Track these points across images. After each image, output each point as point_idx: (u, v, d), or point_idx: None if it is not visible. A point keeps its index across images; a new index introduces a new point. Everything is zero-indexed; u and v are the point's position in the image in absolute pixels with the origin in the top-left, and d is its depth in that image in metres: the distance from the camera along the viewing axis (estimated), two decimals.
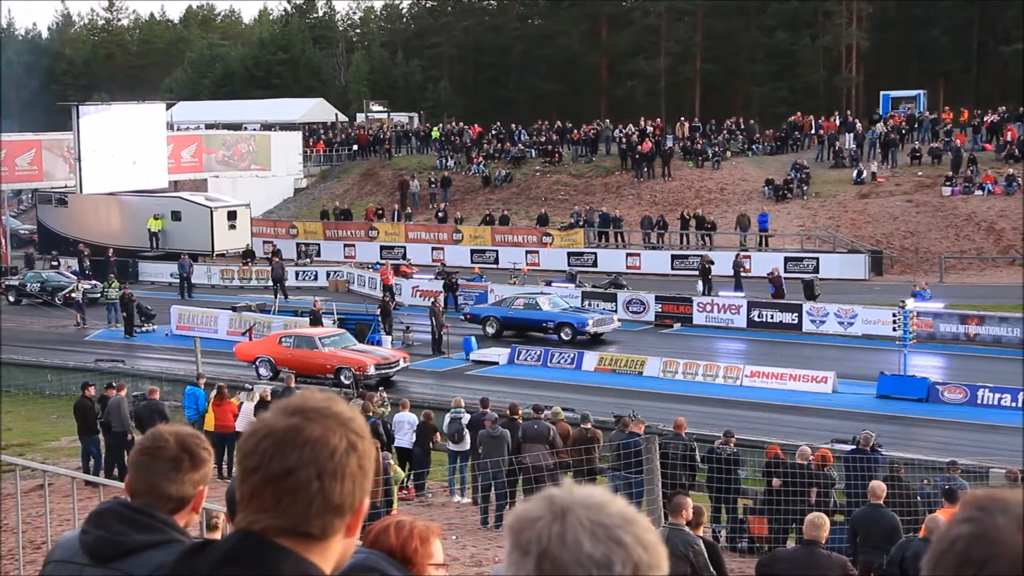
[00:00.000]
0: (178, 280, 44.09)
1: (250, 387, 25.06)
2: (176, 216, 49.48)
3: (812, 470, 15.76)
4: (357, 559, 2.95)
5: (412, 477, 19.50)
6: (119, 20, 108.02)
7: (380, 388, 25.60)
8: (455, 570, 12.99)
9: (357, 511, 1.92)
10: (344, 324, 32.96)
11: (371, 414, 19.59)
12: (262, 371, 28.94)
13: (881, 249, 45.53)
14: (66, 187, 51.80)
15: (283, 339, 29.95)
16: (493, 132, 61.49)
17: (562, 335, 33.16)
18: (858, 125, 54.00)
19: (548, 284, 39.49)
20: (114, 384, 21.82)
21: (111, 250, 47.47)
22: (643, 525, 1.60)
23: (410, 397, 24.11)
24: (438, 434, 19.93)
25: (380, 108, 73.79)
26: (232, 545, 1.88)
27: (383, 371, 28.62)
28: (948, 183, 47.51)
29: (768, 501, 15.67)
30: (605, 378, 28.80)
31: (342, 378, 27.82)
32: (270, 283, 42.63)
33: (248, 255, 48.36)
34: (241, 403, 21.58)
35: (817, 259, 43.65)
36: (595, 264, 46.82)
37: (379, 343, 31.63)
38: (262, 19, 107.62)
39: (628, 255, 47.23)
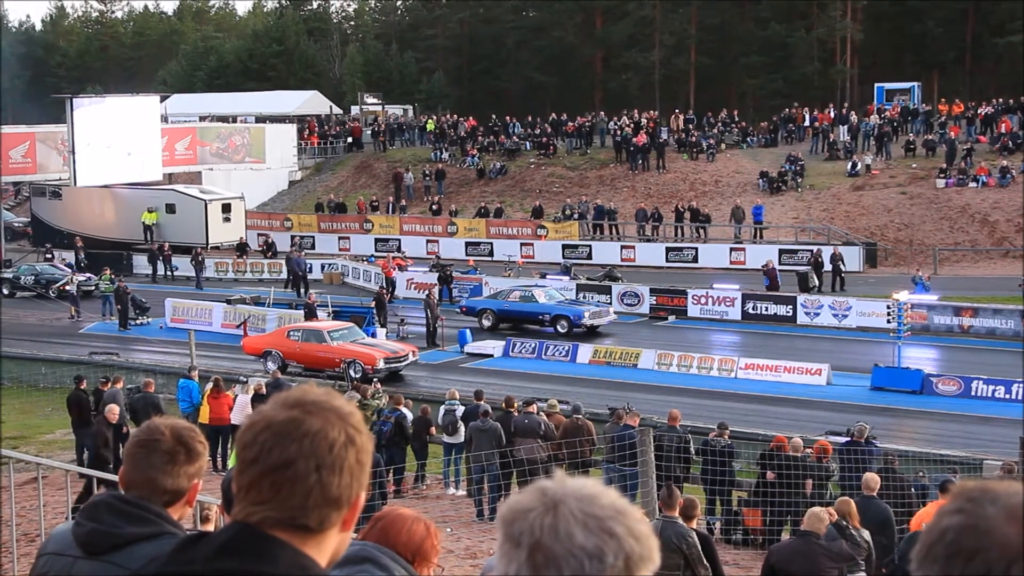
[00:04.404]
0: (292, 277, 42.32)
1: (245, 380, 25.02)
2: (170, 209, 49.29)
3: (809, 462, 15.78)
4: (351, 550, 2.95)
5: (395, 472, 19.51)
6: (113, 12, 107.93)
7: (374, 380, 25.52)
8: (450, 562, 12.98)
9: (354, 505, 1.92)
10: (339, 317, 32.88)
11: (370, 412, 19.64)
12: (270, 365, 28.58)
13: (875, 241, 45.58)
14: (60, 180, 51.65)
15: (291, 332, 29.79)
16: (489, 124, 61.38)
17: (558, 327, 33.17)
18: (852, 117, 53.98)
19: (543, 276, 39.48)
20: (109, 377, 21.83)
21: (166, 244, 46.94)
22: (635, 516, 1.61)
23: (405, 390, 24.12)
24: (433, 428, 19.97)
25: (374, 100, 73.63)
26: (229, 537, 1.87)
27: (392, 365, 28.39)
28: (942, 175, 47.53)
29: (763, 493, 15.68)
30: (600, 370, 28.78)
31: (351, 372, 27.68)
32: (287, 277, 42.44)
33: (242, 248, 48.27)
34: (236, 396, 21.54)
35: (811, 251, 43.59)
36: (590, 256, 46.84)
37: (374, 335, 31.56)
38: (256, 11, 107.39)
39: (623, 247, 47.21)
